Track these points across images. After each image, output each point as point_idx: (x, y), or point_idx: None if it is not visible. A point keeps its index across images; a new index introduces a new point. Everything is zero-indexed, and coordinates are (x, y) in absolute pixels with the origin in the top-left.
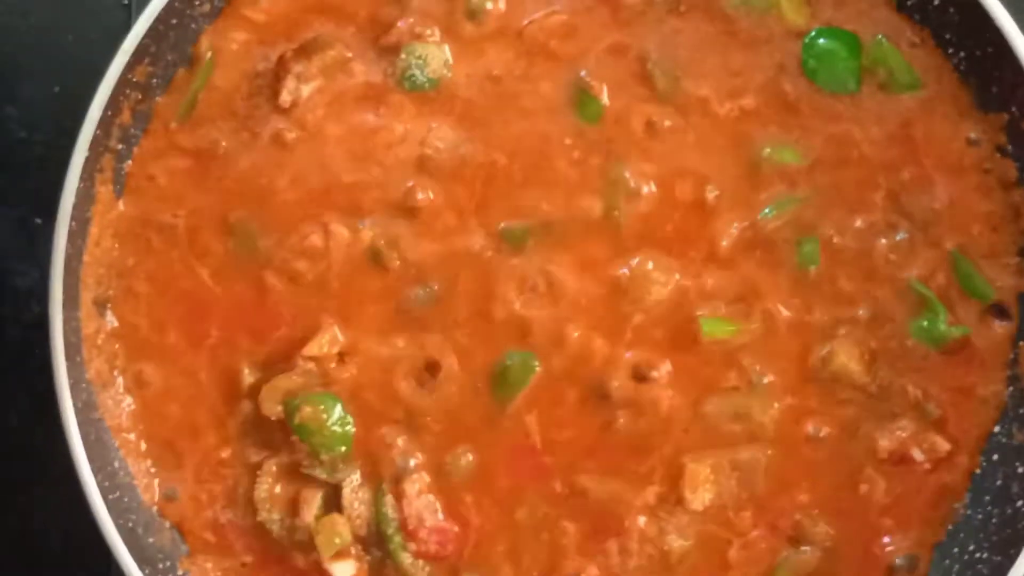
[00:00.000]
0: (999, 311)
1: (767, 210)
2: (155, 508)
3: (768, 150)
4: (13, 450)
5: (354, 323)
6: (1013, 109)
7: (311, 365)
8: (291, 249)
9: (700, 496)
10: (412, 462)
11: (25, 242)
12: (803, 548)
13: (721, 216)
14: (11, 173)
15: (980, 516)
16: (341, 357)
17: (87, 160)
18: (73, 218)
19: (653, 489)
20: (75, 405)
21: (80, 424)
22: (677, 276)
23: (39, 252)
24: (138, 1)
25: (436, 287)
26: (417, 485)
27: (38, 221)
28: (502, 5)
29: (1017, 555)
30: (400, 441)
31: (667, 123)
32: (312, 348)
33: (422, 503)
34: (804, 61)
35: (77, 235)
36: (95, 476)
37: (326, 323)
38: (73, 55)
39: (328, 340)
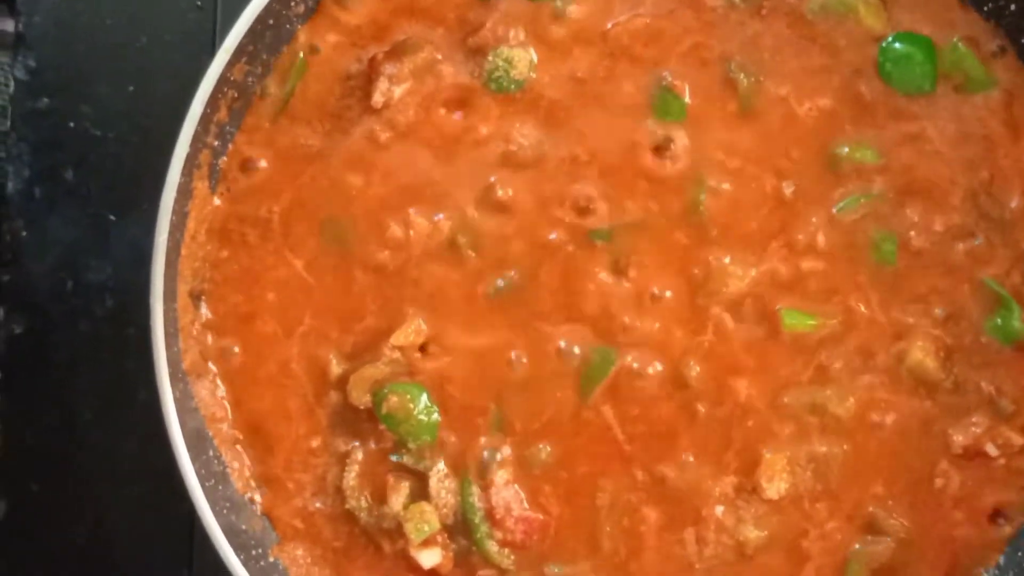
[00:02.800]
0: None
1: (843, 204)
2: (247, 496)
3: (845, 148)
4: (86, 444)
5: (438, 314)
6: None
7: (397, 355)
8: (375, 241)
9: (775, 486)
10: (497, 452)
11: (99, 238)
12: (877, 539)
13: (799, 211)
14: (86, 170)
15: None
16: (426, 347)
17: (188, 156)
18: (173, 212)
19: (730, 479)
20: (174, 395)
21: (179, 413)
22: (753, 271)
23: (112, 248)
24: (223, 5)
25: (517, 279)
26: (504, 475)
27: (112, 217)
28: (588, 8)
29: None
30: (485, 431)
31: (747, 122)
32: (398, 338)
33: (509, 492)
34: (880, 65)
35: (176, 229)
36: (193, 464)
37: (410, 313)
38: (148, 55)
39: (413, 330)
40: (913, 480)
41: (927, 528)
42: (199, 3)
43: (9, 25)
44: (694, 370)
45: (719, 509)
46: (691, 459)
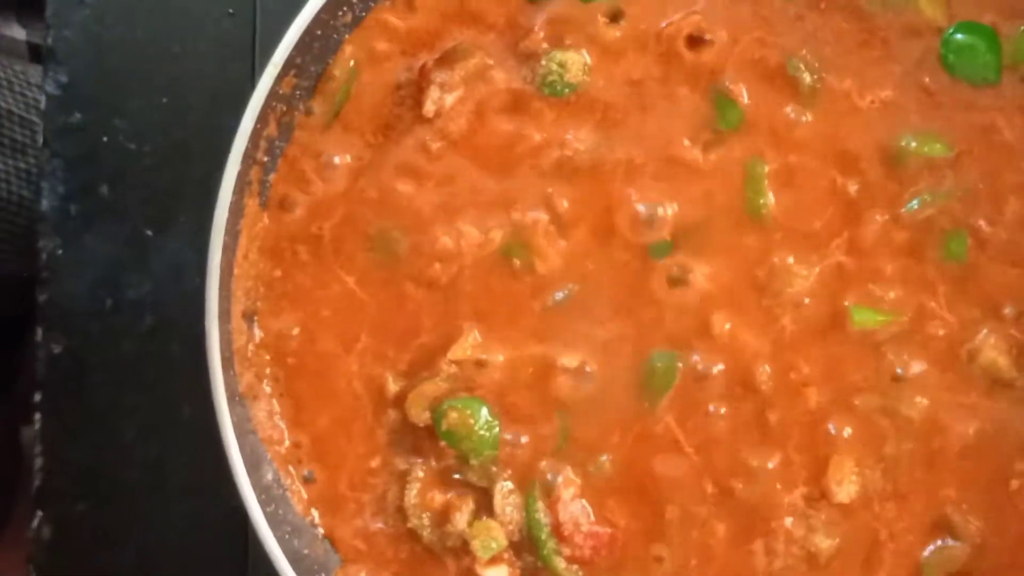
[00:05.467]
0: None
1: (914, 203)
2: (308, 519)
3: (913, 143)
4: (133, 463)
5: (495, 326)
6: None
7: (454, 369)
8: (426, 254)
9: (845, 489)
10: (563, 466)
11: (137, 254)
12: (951, 543)
13: (865, 208)
14: (121, 185)
15: None
16: (484, 361)
17: (239, 173)
18: (225, 232)
19: (801, 490)
20: (232, 419)
21: (238, 437)
22: (817, 269)
23: (151, 264)
24: (262, 14)
25: (576, 290)
26: (571, 489)
27: (149, 233)
28: (641, 8)
29: None
30: (549, 444)
31: (808, 118)
32: (455, 352)
33: (576, 507)
34: (943, 56)
35: (228, 248)
36: (253, 489)
37: (466, 327)
38: (180, 66)
39: (471, 344)
40: (988, 482)
41: (1004, 531)
42: (231, 10)
43: (21, 34)
44: (764, 373)
45: (788, 520)
46: (761, 470)
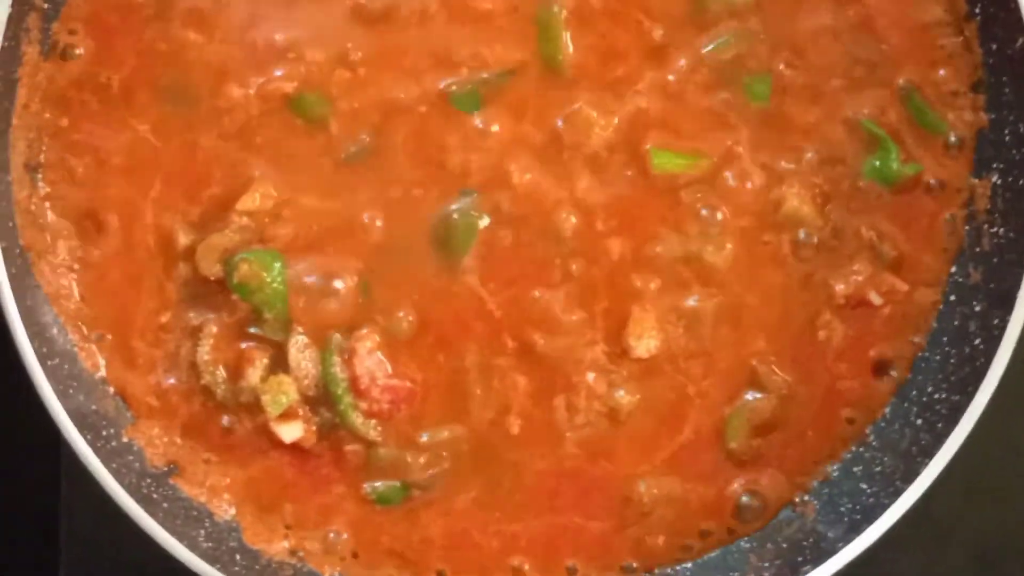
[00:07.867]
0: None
1: (713, 45)
2: (97, 375)
3: None
4: None
5: (288, 178)
6: None
7: (245, 220)
8: (217, 104)
9: (645, 344)
10: (360, 321)
11: None
12: (757, 395)
13: (668, 54)
14: None
15: (938, 357)
16: (277, 212)
17: (10, 17)
18: None
19: (601, 346)
20: (8, 271)
21: (15, 290)
22: (616, 119)
23: None
24: None
25: (370, 140)
26: (368, 343)
27: None
28: None
29: (975, 392)
30: (346, 298)
31: None
32: (245, 203)
33: (373, 361)
34: None
35: (4, 96)
36: (32, 342)
37: (257, 178)
38: None
39: (261, 194)
40: (794, 333)
41: (810, 382)
42: None
43: None
44: (566, 222)
45: (590, 376)
46: (562, 323)
